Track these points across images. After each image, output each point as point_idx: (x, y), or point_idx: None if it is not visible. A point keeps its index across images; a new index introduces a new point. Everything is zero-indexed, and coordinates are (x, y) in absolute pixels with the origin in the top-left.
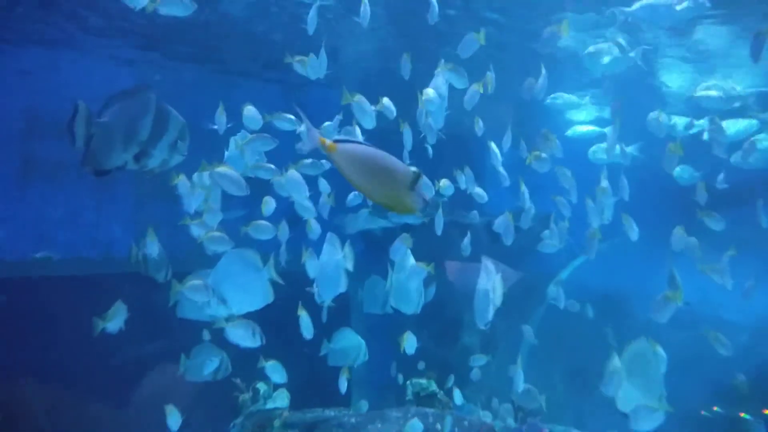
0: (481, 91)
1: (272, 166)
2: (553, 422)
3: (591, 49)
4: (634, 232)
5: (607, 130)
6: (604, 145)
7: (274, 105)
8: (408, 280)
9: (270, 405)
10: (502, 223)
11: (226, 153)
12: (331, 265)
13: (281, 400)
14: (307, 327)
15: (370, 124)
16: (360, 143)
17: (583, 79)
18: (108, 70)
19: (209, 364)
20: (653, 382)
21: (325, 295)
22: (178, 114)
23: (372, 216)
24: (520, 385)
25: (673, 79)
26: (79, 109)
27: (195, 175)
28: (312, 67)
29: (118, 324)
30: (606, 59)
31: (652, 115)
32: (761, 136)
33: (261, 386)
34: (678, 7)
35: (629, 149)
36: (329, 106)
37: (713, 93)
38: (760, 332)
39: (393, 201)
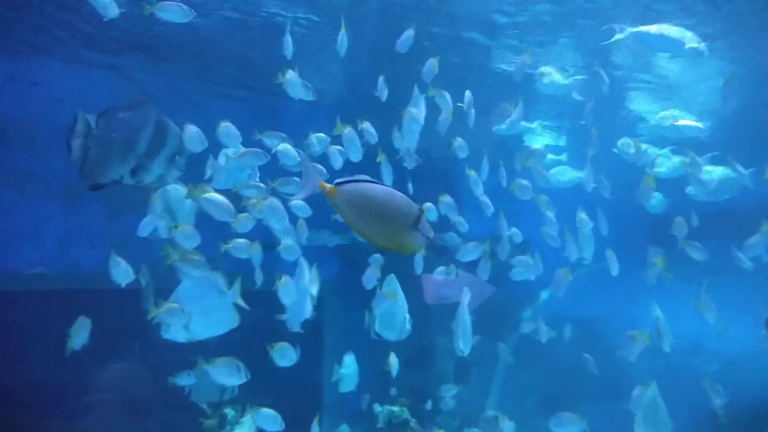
0: (450, 118)
1: (262, 185)
2: None
3: (542, 70)
4: (614, 264)
5: (563, 156)
6: (577, 173)
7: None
8: (393, 307)
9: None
10: (472, 250)
11: (208, 169)
12: (298, 291)
13: (249, 426)
14: (285, 357)
15: (357, 157)
16: (361, 181)
17: (540, 106)
18: (86, 80)
19: (183, 378)
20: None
21: (292, 322)
22: (177, 128)
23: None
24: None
25: (636, 106)
26: (78, 120)
27: (159, 191)
28: (292, 84)
29: (81, 340)
30: (552, 81)
31: (624, 140)
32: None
33: (228, 411)
34: (687, 46)
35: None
36: (303, 123)
37: (671, 123)
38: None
39: (394, 243)
